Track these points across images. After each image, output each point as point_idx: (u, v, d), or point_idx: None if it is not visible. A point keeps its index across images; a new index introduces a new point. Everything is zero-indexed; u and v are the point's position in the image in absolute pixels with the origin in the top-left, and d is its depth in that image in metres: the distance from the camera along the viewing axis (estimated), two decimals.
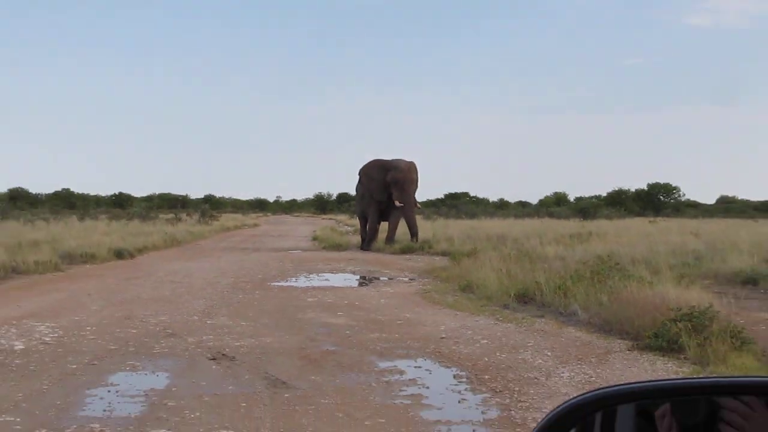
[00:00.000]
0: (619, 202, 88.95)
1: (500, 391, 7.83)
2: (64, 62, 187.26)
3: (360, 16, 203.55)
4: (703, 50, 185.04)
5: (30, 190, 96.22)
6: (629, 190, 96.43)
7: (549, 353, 9.83)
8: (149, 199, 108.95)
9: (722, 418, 0.99)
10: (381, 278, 20.74)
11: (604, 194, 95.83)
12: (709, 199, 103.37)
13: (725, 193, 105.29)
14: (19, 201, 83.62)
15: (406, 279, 20.25)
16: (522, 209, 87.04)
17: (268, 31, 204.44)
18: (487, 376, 8.51)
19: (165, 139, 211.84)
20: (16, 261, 20.59)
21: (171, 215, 63.83)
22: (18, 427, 6.52)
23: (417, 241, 32.09)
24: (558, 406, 1.01)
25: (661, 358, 9.44)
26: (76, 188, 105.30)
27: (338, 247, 33.75)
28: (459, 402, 7.53)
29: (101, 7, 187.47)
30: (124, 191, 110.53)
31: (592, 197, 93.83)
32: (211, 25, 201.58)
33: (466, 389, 8.03)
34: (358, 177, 35.43)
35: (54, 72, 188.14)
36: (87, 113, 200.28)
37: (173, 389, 7.89)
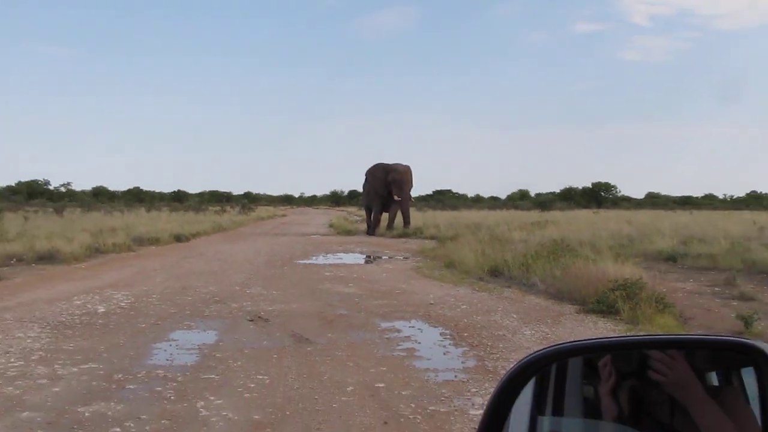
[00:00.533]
0: (570, 197, 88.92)
1: (476, 346, 7.84)
2: (141, 90, 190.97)
3: (368, 57, 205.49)
4: (633, 78, 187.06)
5: (109, 188, 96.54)
6: (578, 187, 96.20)
7: (515, 316, 9.84)
8: (201, 195, 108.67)
9: (650, 367, 0.99)
10: (382, 257, 20.74)
11: (558, 191, 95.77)
12: (640, 194, 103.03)
13: (652, 190, 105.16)
14: (101, 196, 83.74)
15: (402, 258, 20.24)
16: (493, 202, 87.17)
17: (294, 67, 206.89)
18: (466, 334, 8.52)
19: (214, 148, 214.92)
20: (98, 243, 20.68)
21: (218, 208, 63.81)
22: (101, 372, 6.55)
23: (410, 227, 32.14)
24: (522, 359, 1.01)
25: (602, 319, 9.46)
26: (145, 186, 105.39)
27: (349, 233, 33.75)
28: (444, 354, 7.54)
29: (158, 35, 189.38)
30: (181, 189, 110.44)
31: (548, 193, 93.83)
32: (252, 64, 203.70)
33: (449, 344, 8.04)
34: (365, 177, 35.37)
35: (130, 99, 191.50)
36: (154, 128, 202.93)
37: (220, 344, 7.91)
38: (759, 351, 0.84)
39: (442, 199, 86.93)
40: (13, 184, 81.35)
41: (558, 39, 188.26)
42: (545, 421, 1.11)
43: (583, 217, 41.72)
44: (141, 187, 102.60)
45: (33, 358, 7.11)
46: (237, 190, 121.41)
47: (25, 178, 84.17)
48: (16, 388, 6.02)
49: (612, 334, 8.38)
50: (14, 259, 16.92)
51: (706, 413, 0.91)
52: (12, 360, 7.00)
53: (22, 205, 53.29)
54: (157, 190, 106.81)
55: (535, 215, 45.64)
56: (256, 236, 31.07)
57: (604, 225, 30.31)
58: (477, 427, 0.99)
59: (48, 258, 17.49)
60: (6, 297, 11.31)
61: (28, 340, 7.92)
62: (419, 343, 8.07)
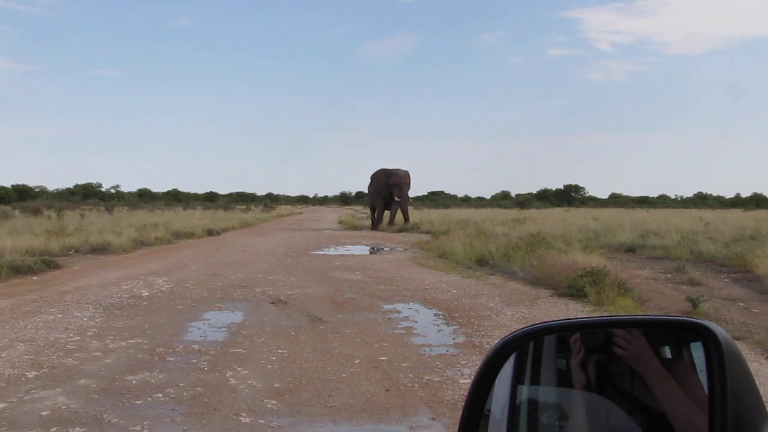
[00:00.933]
0: (545, 197, 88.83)
1: (465, 324, 7.85)
2: (178, 106, 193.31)
3: (373, 76, 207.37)
4: (599, 95, 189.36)
5: (151, 190, 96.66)
6: (552, 189, 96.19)
7: (498, 299, 9.84)
8: (230, 195, 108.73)
9: (614, 343, 0.99)
10: (384, 249, 20.73)
11: (535, 191, 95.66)
12: (604, 194, 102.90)
13: (615, 191, 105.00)
14: (144, 197, 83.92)
15: (402, 249, 20.24)
16: (480, 202, 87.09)
17: (310, 85, 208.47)
18: (456, 314, 8.53)
19: (241, 155, 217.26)
20: (142, 237, 20.76)
21: (244, 206, 63.90)
22: (146, 346, 6.57)
23: (409, 223, 32.12)
24: (505, 336, 1.02)
25: (573, 301, 9.47)
26: (182, 188, 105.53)
27: (356, 228, 33.76)
28: (438, 331, 7.55)
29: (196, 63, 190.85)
30: (213, 190, 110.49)
31: (527, 194, 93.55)
32: (274, 82, 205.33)
33: (442, 323, 8.05)
34: (370, 180, 35.38)
35: (169, 114, 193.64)
36: (190, 139, 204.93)
37: (246, 323, 7.93)
38: (706, 329, 0.84)
39: (436, 198, 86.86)
40: (71, 187, 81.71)
41: (535, 62, 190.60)
42: (524, 390, 1.11)
43: (557, 215, 41.66)
44: (179, 189, 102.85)
45: (88, 334, 7.14)
46: (260, 191, 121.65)
47: (81, 182, 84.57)
48: (74, 359, 6.05)
49: (581, 315, 8.38)
50: (72, 250, 16.97)
51: (661, 382, 0.91)
52: (71, 335, 7.03)
53: (79, 204, 53.45)
54: (192, 192, 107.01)
55: (515, 213, 45.57)
56: (276, 231, 31.08)
57: (574, 221, 30.29)
58: (466, 394, 0.99)
59: (100, 249, 17.55)
60: (65, 282, 11.34)
61: (84, 319, 7.95)
62: (416, 322, 8.07)
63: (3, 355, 6.19)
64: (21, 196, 63.60)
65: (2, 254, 13.92)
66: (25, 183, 72.96)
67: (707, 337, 0.85)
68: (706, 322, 0.90)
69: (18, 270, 12.46)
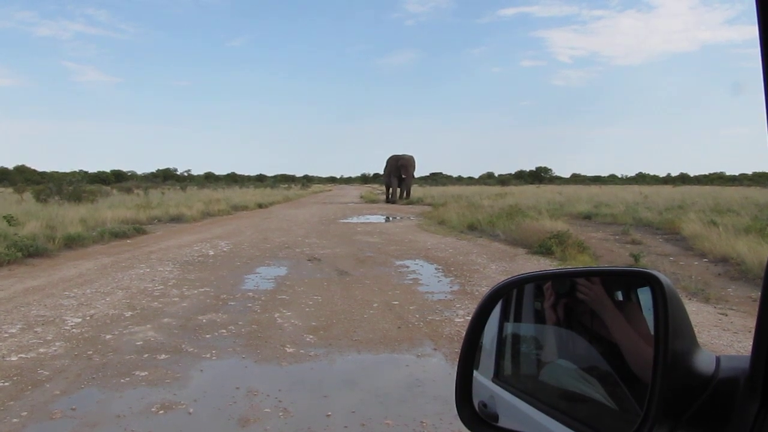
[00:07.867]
0: (521, 177, 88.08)
1: (459, 276, 7.85)
2: (237, 106, 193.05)
3: (386, 81, 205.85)
4: (561, 97, 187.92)
5: (215, 173, 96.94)
6: (526, 170, 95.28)
7: (485, 256, 9.82)
8: (275, 176, 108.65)
9: (577, 289, 0.98)
10: (396, 217, 20.69)
11: (513, 172, 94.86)
12: (567, 174, 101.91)
13: (575, 171, 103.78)
14: (210, 178, 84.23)
15: (409, 218, 20.17)
16: (470, 180, 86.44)
17: (337, 91, 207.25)
18: (452, 269, 8.53)
19: (284, 146, 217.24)
20: (208, 209, 20.85)
21: (286, 185, 63.89)
22: (212, 293, 6.64)
23: (409, 197, 32.42)
24: (493, 286, 1.01)
25: (543, 258, 9.42)
26: (238, 171, 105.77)
27: (374, 202, 33.66)
28: (438, 282, 7.56)
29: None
30: (262, 173, 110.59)
31: (507, 174, 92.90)
32: (308, 89, 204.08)
33: (441, 275, 8.06)
34: (385, 163, 35.42)
35: (229, 113, 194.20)
36: (245, 132, 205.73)
37: (289, 275, 7.98)
38: (653, 276, 0.83)
39: (436, 178, 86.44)
40: (155, 171, 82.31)
41: (511, 71, 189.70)
42: (509, 326, 1.11)
43: (530, 191, 41.30)
44: (236, 172, 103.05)
45: (169, 284, 7.24)
46: (299, 173, 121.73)
47: (161, 167, 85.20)
48: (159, 303, 6.14)
49: (550, 268, 8.35)
50: (156, 220, 17.13)
51: (614, 319, 0.90)
52: (156, 285, 7.13)
53: (160, 184, 53.78)
54: (246, 174, 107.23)
55: (498, 189, 45.25)
56: (311, 204, 31.10)
57: (543, 195, 30.02)
58: (466, 330, 0.99)
59: (177, 219, 17.69)
60: (151, 244, 11.47)
61: (166, 272, 8.05)
62: (421, 274, 8.09)
63: (107, 299, 6.30)
64: (117, 178, 64.25)
65: (104, 223, 14.10)
66: (120, 168, 73.73)
67: (654, 283, 0.84)
68: (653, 271, 0.89)
69: (116, 235, 12.62)
